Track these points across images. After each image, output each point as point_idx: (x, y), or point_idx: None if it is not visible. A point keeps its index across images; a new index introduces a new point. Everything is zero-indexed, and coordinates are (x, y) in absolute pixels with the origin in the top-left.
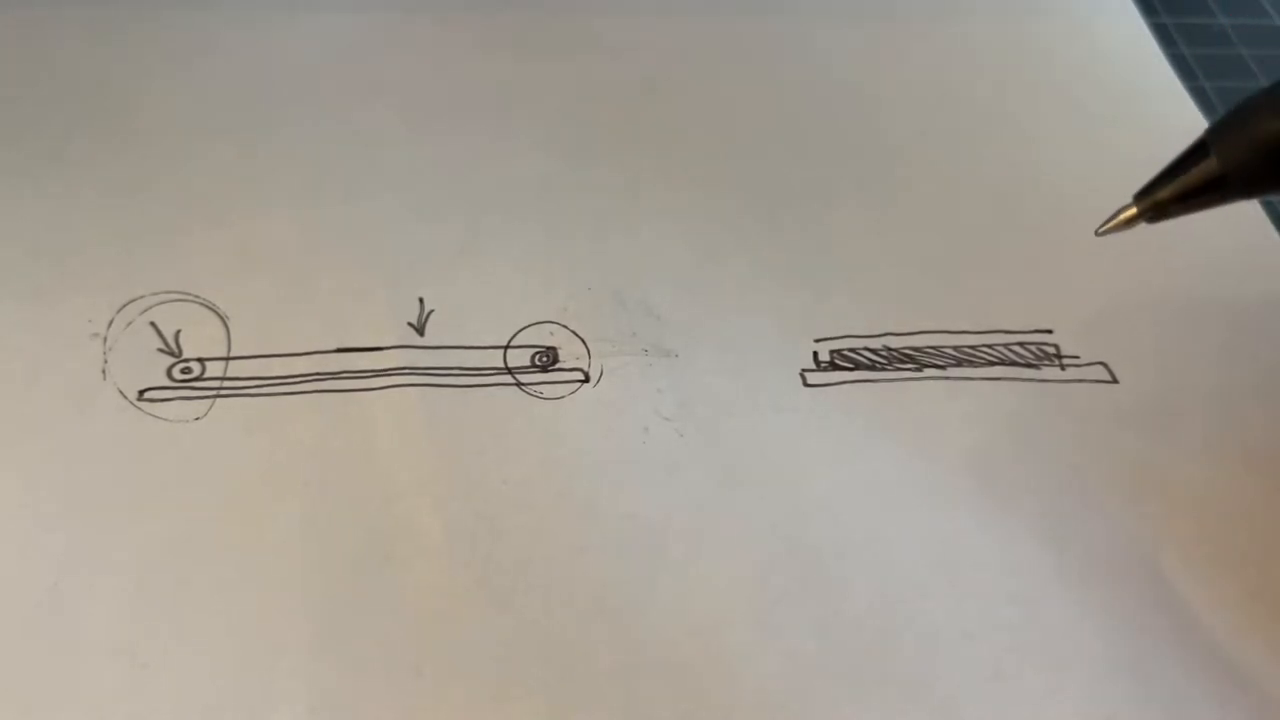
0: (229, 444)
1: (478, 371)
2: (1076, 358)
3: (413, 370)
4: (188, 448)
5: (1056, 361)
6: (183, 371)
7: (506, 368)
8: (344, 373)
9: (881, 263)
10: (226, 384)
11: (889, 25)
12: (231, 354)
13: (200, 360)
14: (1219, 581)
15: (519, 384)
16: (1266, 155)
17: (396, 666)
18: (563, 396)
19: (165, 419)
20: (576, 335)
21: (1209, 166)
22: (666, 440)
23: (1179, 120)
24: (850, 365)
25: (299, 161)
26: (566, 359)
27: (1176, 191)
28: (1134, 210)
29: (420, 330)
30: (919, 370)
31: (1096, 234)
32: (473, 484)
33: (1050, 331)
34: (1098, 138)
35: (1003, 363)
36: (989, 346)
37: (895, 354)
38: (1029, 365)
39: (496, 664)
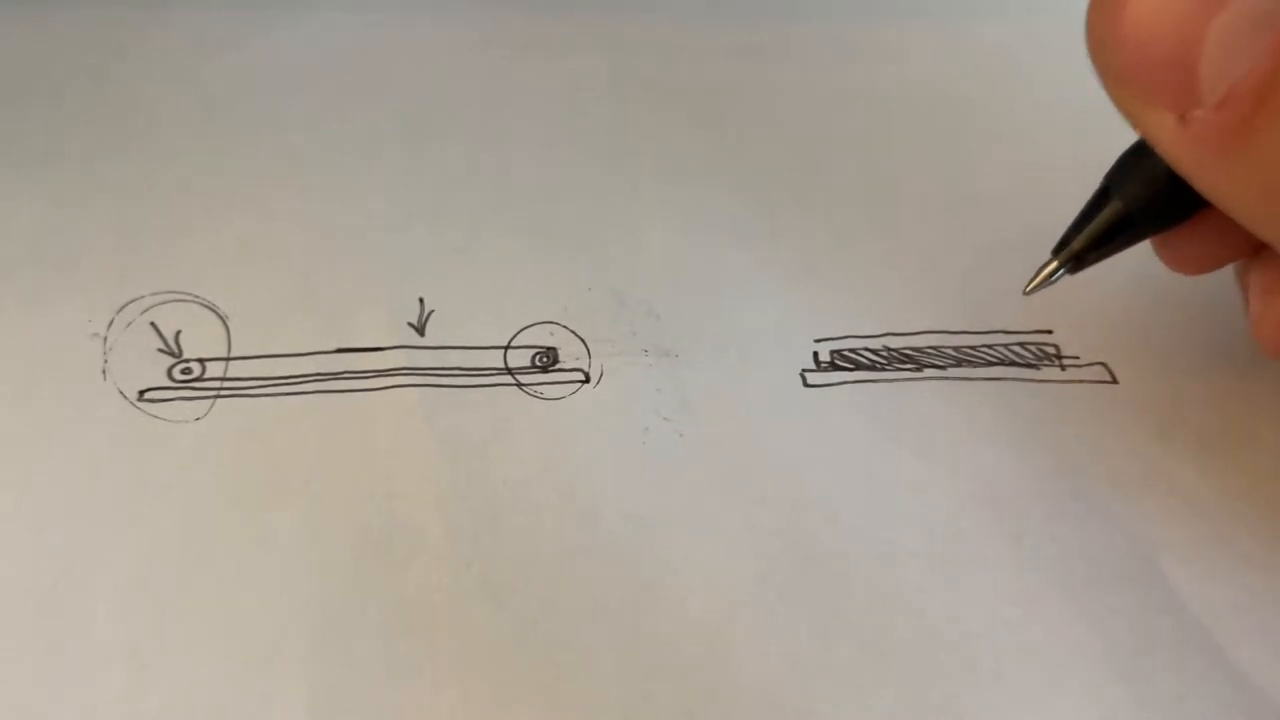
0: (229, 444)
1: (478, 372)
2: (1076, 358)
3: (413, 370)
4: (188, 448)
5: (1056, 361)
6: (183, 372)
7: (507, 368)
8: (344, 373)
9: (881, 263)
10: (227, 384)
11: (889, 25)
12: (232, 354)
13: (200, 360)
14: (1219, 582)
15: (519, 384)
16: (1164, 188)
17: (396, 666)
18: (563, 397)
19: (165, 419)
20: (576, 335)
21: (1115, 209)
22: (666, 440)
23: None
24: (850, 365)
25: (299, 161)
26: (566, 359)
27: (1089, 239)
28: (1054, 264)
29: (420, 330)
30: (919, 370)
31: (1025, 293)
32: (473, 484)
33: (1050, 332)
34: (1098, 137)
35: (1003, 363)
36: (989, 346)
37: (895, 354)
38: (1029, 365)
39: (496, 664)
